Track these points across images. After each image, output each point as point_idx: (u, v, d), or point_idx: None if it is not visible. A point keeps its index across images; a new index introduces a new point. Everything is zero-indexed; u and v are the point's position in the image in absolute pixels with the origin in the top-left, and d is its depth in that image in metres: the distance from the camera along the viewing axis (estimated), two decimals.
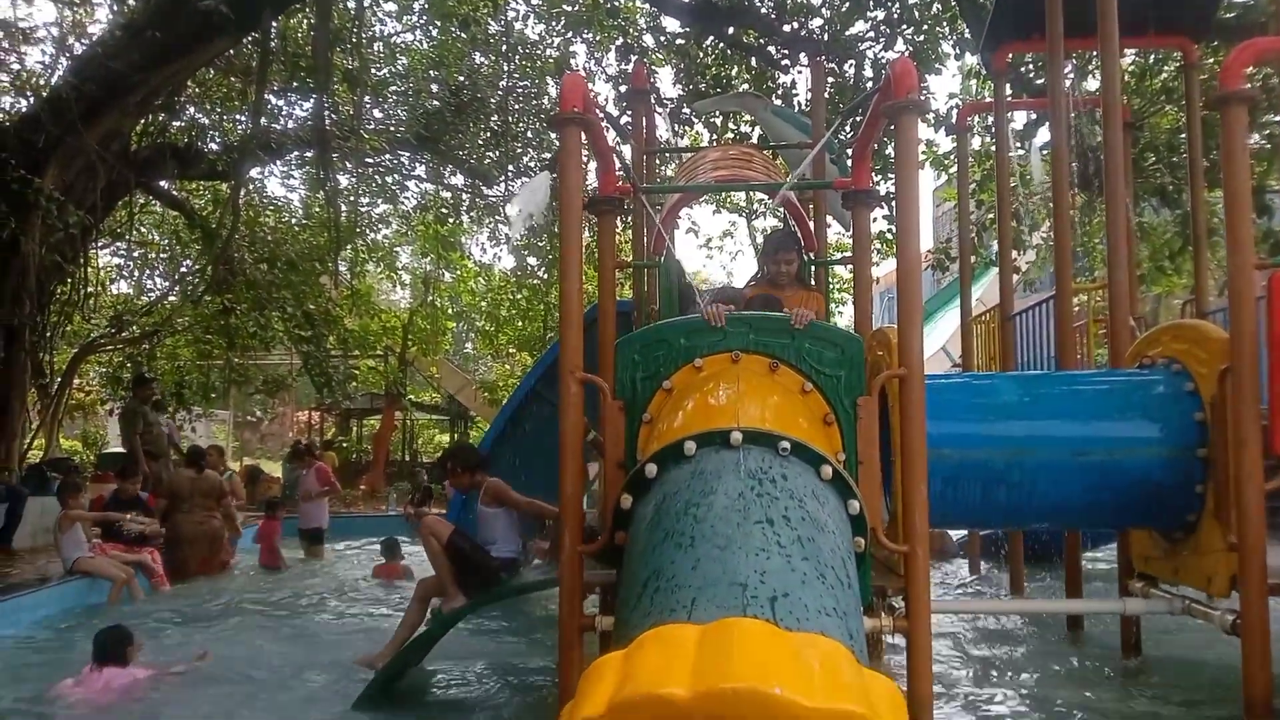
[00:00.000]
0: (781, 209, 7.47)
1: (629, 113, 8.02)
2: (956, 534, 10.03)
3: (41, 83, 11.68)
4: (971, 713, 4.64)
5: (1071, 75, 10.62)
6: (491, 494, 5.94)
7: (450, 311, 26.07)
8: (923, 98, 9.12)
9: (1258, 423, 4.11)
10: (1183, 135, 9.76)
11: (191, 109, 14.91)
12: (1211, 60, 10.79)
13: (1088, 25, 6.05)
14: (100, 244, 15.10)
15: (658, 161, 10.15)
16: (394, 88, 16.61)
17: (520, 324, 23.53)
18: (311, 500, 11.50)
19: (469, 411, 23.36)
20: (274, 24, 12.24)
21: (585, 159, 6.57)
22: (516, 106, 16.30)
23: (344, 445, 22.67)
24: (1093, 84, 11.63)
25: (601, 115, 5.36)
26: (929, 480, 3.66)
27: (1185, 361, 4.69)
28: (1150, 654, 5.55)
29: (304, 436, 16.51)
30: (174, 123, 14.48)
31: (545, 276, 19.93)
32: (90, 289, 13.85)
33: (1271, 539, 4.15)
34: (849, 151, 6.34)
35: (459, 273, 23.99)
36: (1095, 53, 8.49)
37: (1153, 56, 12.14)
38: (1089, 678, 5.32)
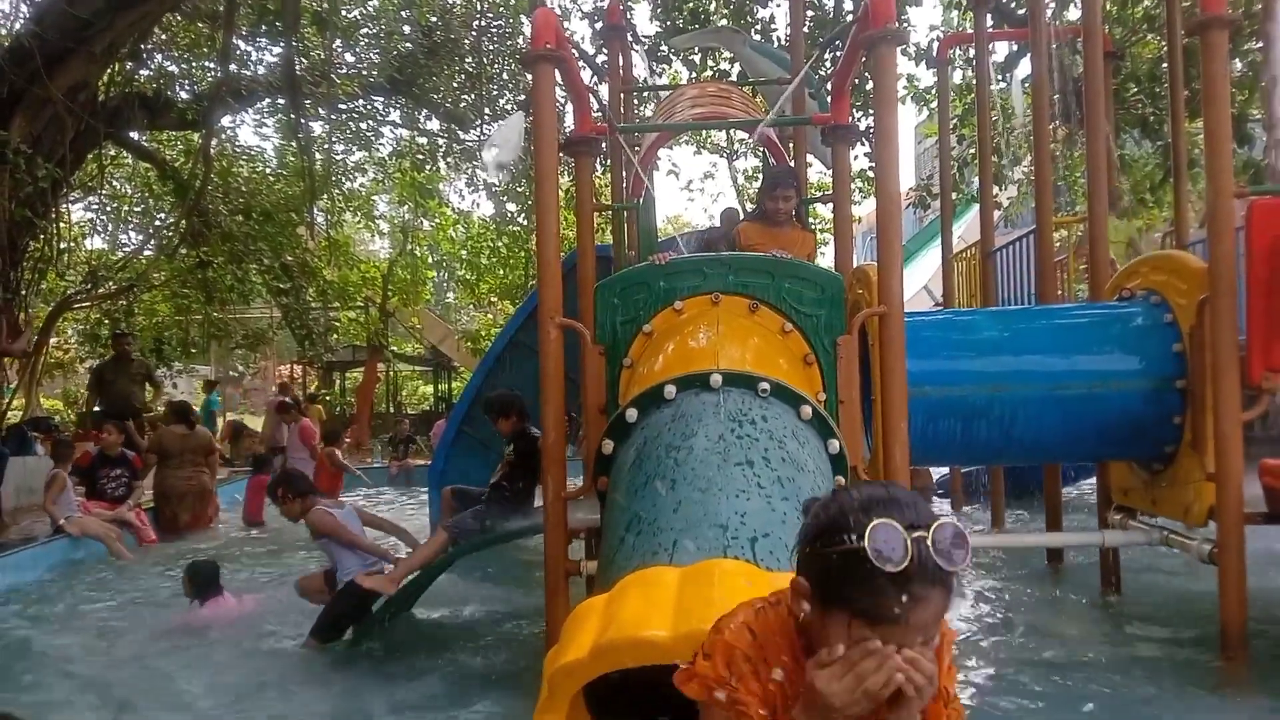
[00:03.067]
0: (761, 147, 7.39)
1: (605, 50, 7.88)
2: (937, 473, 10.10)
3: (2, 32, 11.38)
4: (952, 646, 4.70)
5: (1053, 5, 10.48)
6: (312, 526, 5.41)
7: (430, 261, 25.85)
8: (902, 29, 8.99)
9: (1235, 353, 4.13)
10: (1164, 65, 9.68)
11: (159, 56, 14.58)
12: None
13: None
14: (72, 198, 14.85)
15: (635, 100, 10.00)
16: (365, 30, 16.27)
17: (501, 272, 23.36)
18: (293, 454, 11.53)
19: (452, 362, 23.30)
20: None
21: (561, 100, 6.46)
22: (491, 47, 16.00)
23: (327, 398, 22.59)
24: (1074, 13, 11.49)
25: (576, 52, 5.27)
26: (910, 417, 3.66)
27: (1164, 293, 4.70)
28: (1130, 584, 5.63)
29: (287, 391, 16.36)
30: (141, 71, 14.16)
31: (525, 223, 19.76)
32: (64, 244, 13.63)
33: (1248, 468, 4.19)
34: (829, 87, 6.25)
35: (438, 221, 23.73)
36: None
37: None
38: (1069, 609, 5.41)
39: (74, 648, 5.27)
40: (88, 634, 5.57)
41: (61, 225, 13.46)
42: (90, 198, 16.01)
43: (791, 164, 6.90)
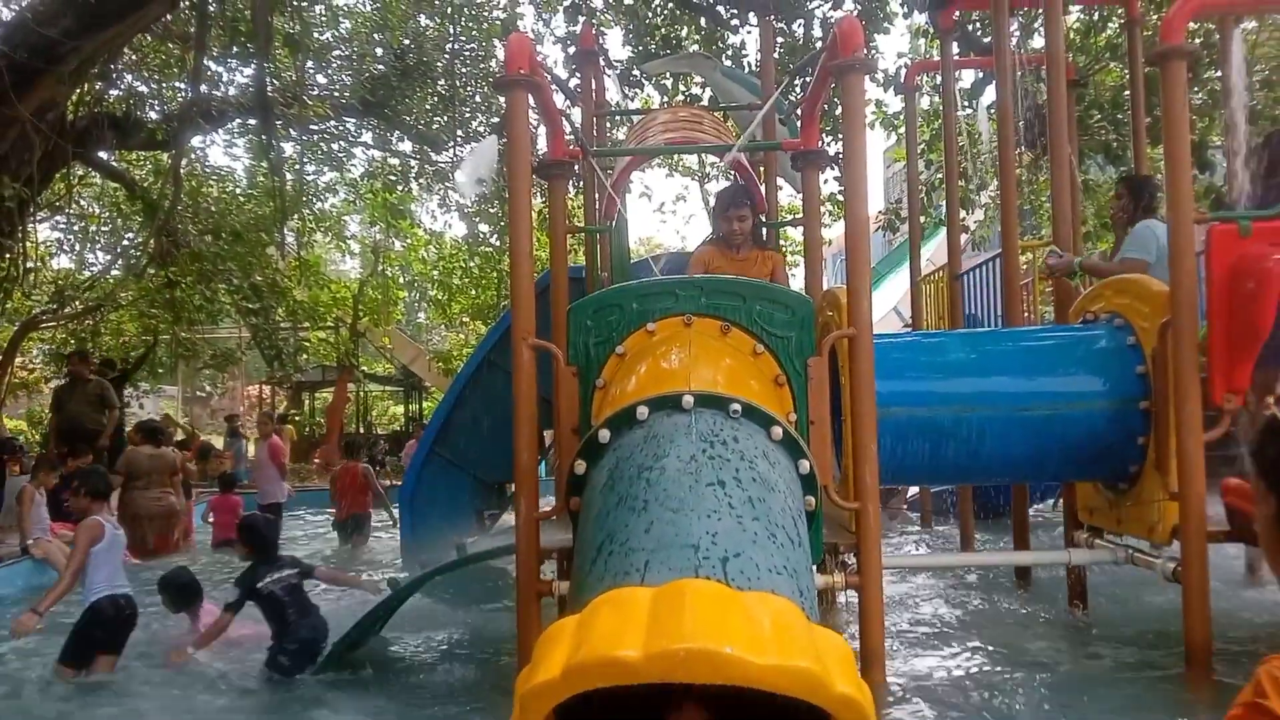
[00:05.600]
0: (732, 171, 7.46)
1: (578, 75, 7.94)
2: (911, 491, 10.18)
3: None
4: (922, 665, 4.74)
5: (1018, 33, 10.67)
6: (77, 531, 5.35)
7: (401, 281, 25.78)
8: (870, 57, 9.12)
9: (1197, 374, 4.21)
10: (1127, 92, 9.87)
11: (129, 77, 14.50)
12: (1155, 17, 10.88)
13: None
14: (39, 218, 14.70)
15: (608, 124, 10.06)
16: (337, 52, 16.28)
17: (474, 292, 23.34)
18: (262, 472, 11.44)
19: (423, 382, 23.20)
20: None
21: (534, 124, 6.50)
22: (463, 70, 16.07)
23: (297, 419, 22.41)
24: (1039, 42, 11.70)
25: (549, 77, 5.31)
26: (879, 438, 3.71)
27: (1127, 316, 4.78)
28: (1095, 602, 5.70)
29: (250, 410, 16.31)
30: (111, 91, 14.07)
31: (497, 244, 19.77)
32: (30, 264, 13.49)
33: (1210, 488, 4.27)
34: (799, 113, 6.33)
35: (409, 241, 23.70)
36: (1040, 10, 8.52)
37: (1097, 13, 12.23)
38: (1036, 627, 5.46)
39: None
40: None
41: (28, 244, 13.32)
42: (58, 217, 15.85)
43: (763, 188, 6.97)
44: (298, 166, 16.91)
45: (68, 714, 4.58)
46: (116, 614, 5.18)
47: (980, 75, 11.76)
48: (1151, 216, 5.58)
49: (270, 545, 5.48)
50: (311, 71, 15.69)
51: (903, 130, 12.49)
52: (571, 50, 12.48)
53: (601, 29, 14.63)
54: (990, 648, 5.07)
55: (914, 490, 10.00)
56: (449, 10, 15.59)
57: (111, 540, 5.32)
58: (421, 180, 18.90)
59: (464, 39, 16.02)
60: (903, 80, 10.27)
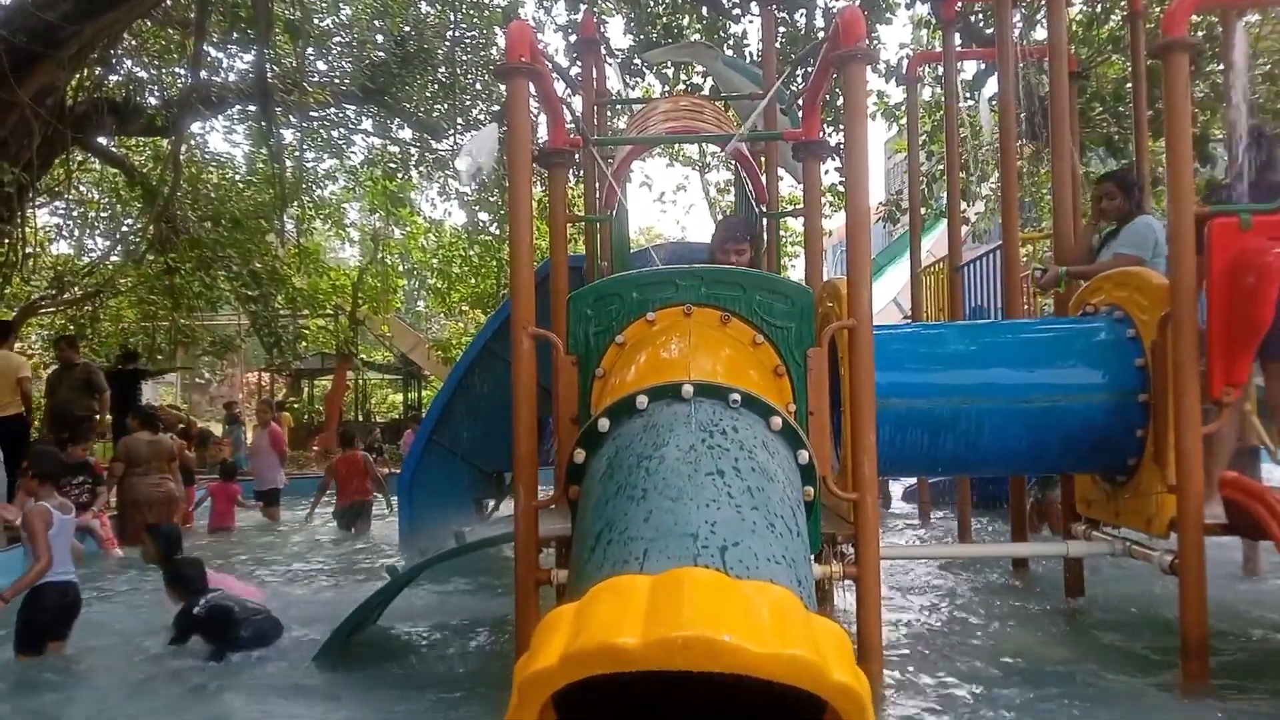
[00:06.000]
0: (733, 160, 7.45)
1: (579, 63, 7.92)
2: (908, 481, 10.21)
3: None
4: (920, 655, 4.75)
5: (1020, 25, 10.65)
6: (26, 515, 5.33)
7: (401, 269, 25.77)
8: (872, 47, 9.07)
9: (1196, 368, 4.21)
10: (1129, 85, 9.86)
11: (129, 62, 14.46)
12: (1158, 9, 10.86)
13: None
14: (38, 203, 14.68)
15: (609, 113, 10.04)
16: (338, 38, 16.24)
17: (473, 281, 23.33)
18: (261, 459, 11.49)
19: (422, 370, 23.21)
20: None
21: (535, 112, 6.49)
22: (464, 57, 16.01)
23: (295, 406, 22.43)
24: (1042, 33, 11.68)
25: (550, 65, 5.30)
26: (877, 429, 3.71)
27: (1127, 308, 4.78)
28: (1093, 593, 5.72)
29: (249, 398, 16.35)
30: (111, 77, 14.04)
31: (497, 232, 19.76)
32: (29, 249, 13.47)
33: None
34: (801, 103, 6.32)
35: (409, 229, 23.67)
36: (1043, 1, 8.52)
37: (1100, 5, 12.21)
38: (1034, 619, 5.48)
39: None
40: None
41: (27, 230, 13.31)
42: (57, 202, 15.83)
43: (763, 178, 6.96)
44: (297, 153, 16.88)
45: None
46: (59, 600, 5.16)
47: (982, 66, 11.75)
48: (1142, 212, 5.62)
49: (190, 580, 5.37)
50: (312, 58, 15.65)
51: (904, 121, 12.49)
52: (573, 38, 12.47)
53: (603, 17, 14.59)
54: (988, 636, 5.09)
55: (911, 481, 10.03)
56: None
57: (60, 526, 5.26)
58: (421, 168, 18.88)
59: (465, 26, 15.97)
60: (905, 71, 10.25)
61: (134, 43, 14.01)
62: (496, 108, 15.35)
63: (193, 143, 16.16)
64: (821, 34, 10.61)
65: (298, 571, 8.07)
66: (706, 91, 11.98)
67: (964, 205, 10.96)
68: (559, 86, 5.75)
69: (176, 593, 5.35)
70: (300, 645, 5.21)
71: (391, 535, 9.45)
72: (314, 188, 18.81)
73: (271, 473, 11.55)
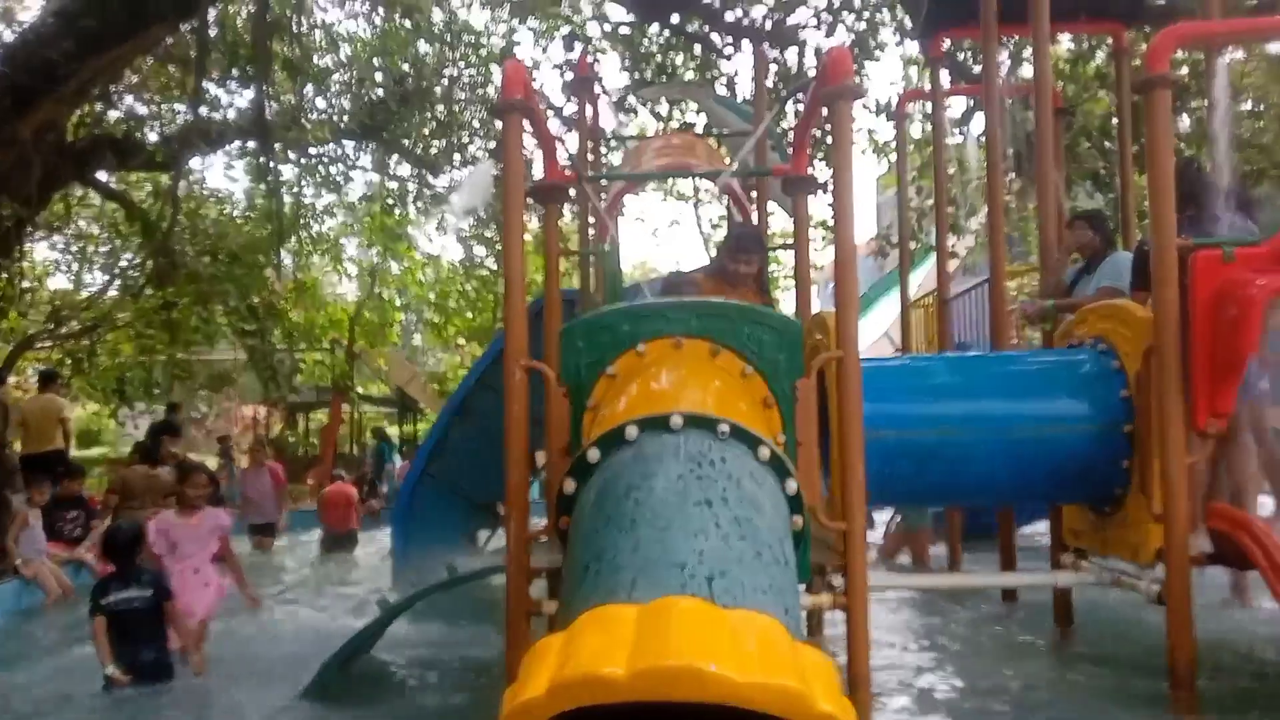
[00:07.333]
0: (725, 195, 7.55)
1: (574, 101, 8.05)
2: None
3: None
4: (909, 685, 4.76)
5: (1008, 62, 10.82)
6: None
7: (398, 303, 25.82)
8: (860, 84, 9.20)
9: (1180, 398, 4.26)
10: (1115, 120, 10.00)
11: (129, 98, 14.60)
12: (1143, 46, 11.04)
13: (1022, 11, 6.14)
14: (36, 237, 14.76)
15: (603, 150, 10.17)
16: (337, 76, 16.41)
17: (469, 315, 23.38)
18: (267, 497, 11.65)
19: (418, 404, 23.19)
20: (212, 10, 12.03)
21: (530, 149, 6.58)
22: (462, 95, 16.20)
23: (291, 440, 22.39)
24: (1029, 70, 11.85)
25: (545, 103, 5.39)
26: (865, 459, 3.76)
27: (1111, 340, 4.84)
28: (1081, 623, 5.73)
29: (245, 431, 16.40)
30: (111, 113, 14.18)
31: (494, 267, 19.85)
32: (27, 283, 13.54)
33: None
34: (790, 139, 6.42)
35: (406, 264, 23.76)
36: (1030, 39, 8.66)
37: (1086, 42, 12.39)
38: (1023, 649, 5.49)
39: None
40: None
41: (25, 264, 13.38)
42: (55, 237, 15.91)
43: (754, 215, 7.05)
44: (296, 189, 17.01)
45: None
46: None
47: (970, 104, 11.92)
48: (1113, 249, 5.81)
49: (125, 560, 5.28)
50: (311, 96, 15.82)
51: (894, 157, 12.64)
52: (568, 77, 12.64)
53: (597, 55, 14.79)
54: (977, 666, 5.09)
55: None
56: (448, 37, 15.75)
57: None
58: (419, 204, 19.02)
59: (462, 65, 16.17)
60: (894, 108, 10.40)
61: (135, 79, 14.16)
62: (493, 144, 15.51)
63: (192, 178, 16.28)
64: (810, 73, 10.78)
65: (288, 599, 8.08)
66: (700, 129, 12.14)
67: (953, 239, 11.06)
68: (553, 123, 5.84)
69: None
70: (287, 677, 5.19)
71: (384, 567, 9.44)
72: (312, 223, 18.93)
73: (268, 505, 11.66)
